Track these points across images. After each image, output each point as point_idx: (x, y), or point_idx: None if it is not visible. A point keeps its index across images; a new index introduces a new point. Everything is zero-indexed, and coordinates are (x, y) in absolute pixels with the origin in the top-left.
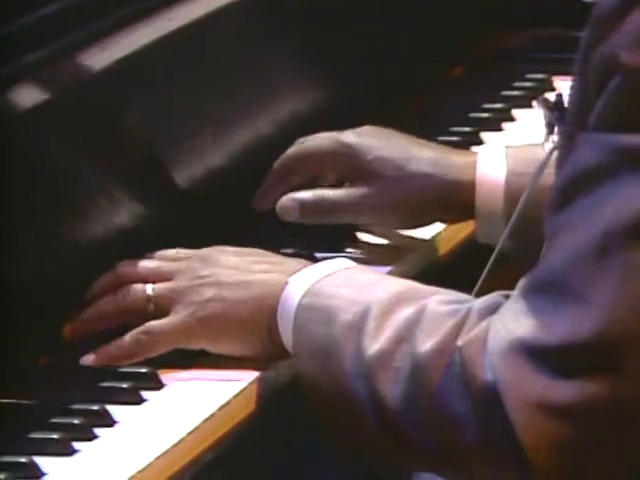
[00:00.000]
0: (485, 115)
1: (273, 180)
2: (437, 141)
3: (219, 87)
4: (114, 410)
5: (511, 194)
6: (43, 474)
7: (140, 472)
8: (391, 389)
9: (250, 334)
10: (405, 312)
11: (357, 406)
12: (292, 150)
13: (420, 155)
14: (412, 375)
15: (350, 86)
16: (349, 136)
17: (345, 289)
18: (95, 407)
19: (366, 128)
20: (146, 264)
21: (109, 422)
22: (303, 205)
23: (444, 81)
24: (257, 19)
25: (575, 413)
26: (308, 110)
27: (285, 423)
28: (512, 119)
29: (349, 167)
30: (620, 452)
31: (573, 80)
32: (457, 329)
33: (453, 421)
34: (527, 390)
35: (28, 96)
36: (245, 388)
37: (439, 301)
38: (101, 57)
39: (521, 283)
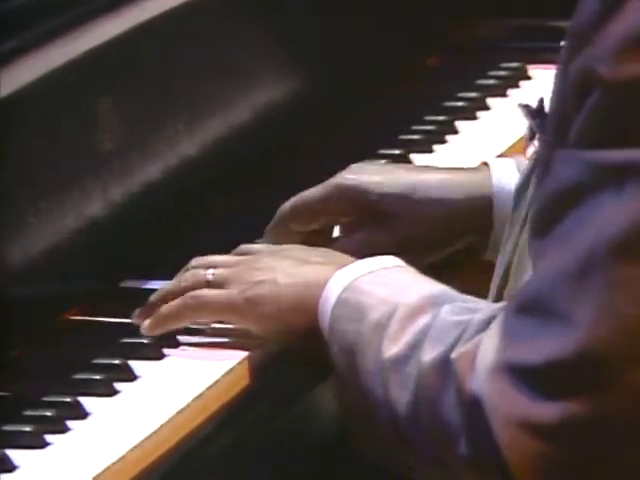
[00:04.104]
0: (460, 104)
1: (272, 239)
2: (411, 130)
3: (193, 76)
4: (87, 402)
5: None
6: (15, 467)
7: (113, 464)
8: (400, 394)
9: (296, 320)
10: (426, 318)
11: (375, 406)
12: (286, 204)
13: (426, 181)
14: (417, 383)
15: (326, 75)
16: (346, 177)
17: (381, 288)
18: (67, 399)
19: (359, 166)
20: (215, 257)
21: (82, 414)
22: None
23: (418, 70)
24: (234, 8)
25: (559, 433)
26: (284, 98)
27: (261, 412)
28: (487, 108)
29: (354, 211)
30: (604, 471)
31: (553, 89)
32: (456, 342)
33: (448, 433)
34: (511, 409)
35: (8, 81)
36: (218, 380)
37: (450, 310)
38: (73, 46)
39: (509, 302)
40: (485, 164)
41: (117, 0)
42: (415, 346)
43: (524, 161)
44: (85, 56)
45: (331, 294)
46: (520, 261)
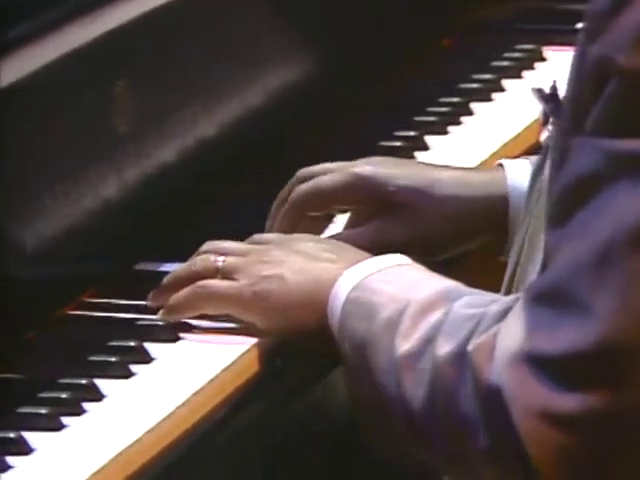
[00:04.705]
0: (475, 85)
1: (285, 222)
2: (426, 112)
3: (209, 58)
4: (103, 384)
5: None
6: (32, 449)
7: (129, 447)
8: (415, 390)
9: (303, 318)
10: (438, 313)
11: (388, 403)
12: (302, 189)
13: (443, 177)
14: (432, 378)
15: (339, 57)
16: (364, 167)
17: (390, 286)
18: (83, 381)
19: (377, 158)
20: (228, 243)
21: (97, 396)
22: None
23: (433, 52)
24: None
25: (579, 424)
26: (296, 81)
27: (276, 395)
28: (502, 89)
29: (370, 201)
30: (625, 462)
31: (569, 72)
32: (471, 334)
33: (466, 426)
34: (531, 400)
35: (12, 71)
36: (234, 362)
37: (464, 304)
38: (89, 29)
39: (526, 292)
40: (500, 165)
41: None
42: (428, 341)
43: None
44: (100, 39)
45: (340, 293)
46: (531, 247)
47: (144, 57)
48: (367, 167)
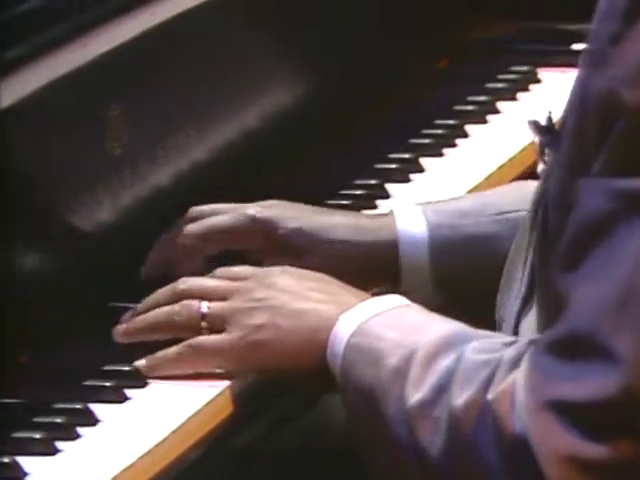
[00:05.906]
0: (470, 107)
1: (182, 266)
2: (421, 134)
3: (203, 82)
4: (97, 409)
5: (436, 246)
6: (26, 474)
7: (124, 471)
8: (431, 439)
9: (301, 364)
10: (448, 359)
11: (399, 450)
12: (191, 228)
13: (334, 222)
14: (449, 427)
15: (335, 79)
16: (256, 209)
17: (392, 331)
18: (78, 406)
19: (270, 202)
20: (205, 282)
21: (92, 421)
22: None
23: (429, 73)
24: (242, 13)
25: (607, 470)
26: (291, 104)
27: (268, 421)
28: (497, 111)
29: (261, 243)
30: None
31: (570, 95)
32: (488, 382)
33: (488, 473)
34: (559, 446)
35: (18, 87)
36: (228, 386)
37: (475, 349)
38: (83, 53)
39: (544, 339)
40: (391, 211)
41: (126, 6)
42: (442, 389)
43: (432, 208)
44: (94, 62)
45: (339, 339)
46: (509, 277)
47: (138, 81)
48: (259, 209)
